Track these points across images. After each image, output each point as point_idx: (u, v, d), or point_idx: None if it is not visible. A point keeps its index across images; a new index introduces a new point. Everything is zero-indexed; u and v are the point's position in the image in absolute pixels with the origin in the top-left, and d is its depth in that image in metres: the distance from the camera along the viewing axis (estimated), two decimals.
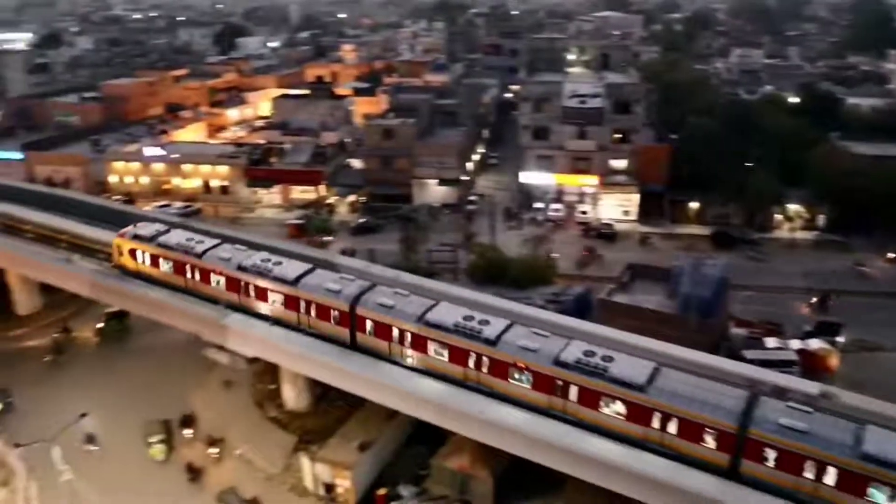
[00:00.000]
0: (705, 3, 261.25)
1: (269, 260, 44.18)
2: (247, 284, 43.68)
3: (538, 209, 79.10)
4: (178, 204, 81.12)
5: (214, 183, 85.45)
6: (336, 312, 40.43)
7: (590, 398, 33.36)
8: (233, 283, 44.24)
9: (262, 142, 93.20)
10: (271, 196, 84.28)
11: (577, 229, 75.67)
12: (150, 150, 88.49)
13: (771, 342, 49.42)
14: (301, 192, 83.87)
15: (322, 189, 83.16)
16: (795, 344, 49.41)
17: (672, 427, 31.66)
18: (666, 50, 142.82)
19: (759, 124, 78.31)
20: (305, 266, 43.58)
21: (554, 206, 79.17)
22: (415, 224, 74.13)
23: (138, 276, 48.72)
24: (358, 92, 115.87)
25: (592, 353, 34.34)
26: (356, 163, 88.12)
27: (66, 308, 59.67)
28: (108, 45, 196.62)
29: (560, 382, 34.07)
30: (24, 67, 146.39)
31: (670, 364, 33.67)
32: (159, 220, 53.50)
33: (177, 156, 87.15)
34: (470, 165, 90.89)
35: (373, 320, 39.31)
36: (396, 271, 47.92)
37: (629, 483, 31.77)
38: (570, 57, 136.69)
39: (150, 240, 48.19)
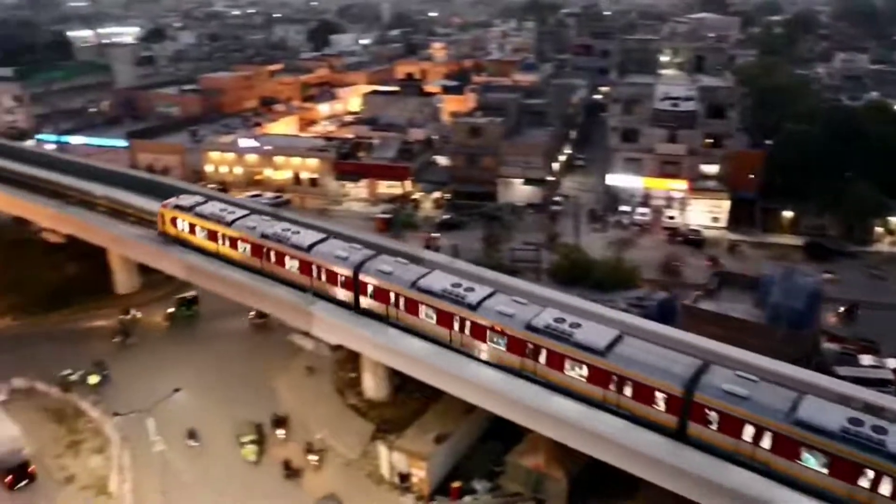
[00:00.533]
0: (807, 5, 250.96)
1: (288, 229, 47.61)
2: (268, 250, 47.36)
3: (624, 212, 78.02)
4: (269, 194, 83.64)
5: (304, 175, 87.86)
6: (342, 277, 43.59)
7: (556, 361, 35.68)
8: (256, 249, 48.12)
9: (351, 136, 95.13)
10: (358, 190, 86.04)
11: (664, 234, 74.27)
12: (244, 142, 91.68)
13: (866, 360, 47.41)
14: (387, 187, 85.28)
15: (408, 184, 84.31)
16: (893, 363, 47.26)
17: (627, 390, 33.67)
18: (763, 53, 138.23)
19: (862, 132, 74.84)
20: (320, 235, 47.06)
21: (640, 209, 77.90)
22: (499, 222, 74.32)
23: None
24: (446, 90, 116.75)
25: (562, 320, 36.60)
26: (442, 160, 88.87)
27: (162, 289, 62.59)
28: (208, 40, 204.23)
29: (531, 346, 36.41)
30: (132, 60, 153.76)
31: (763, 377, 32.84)
32: (199, 193, 58.64)
33: (269, 148, 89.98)
34: (556, 166, 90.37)
35: (373, 285, 42.39)
36: (452, 259, 49.26)
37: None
38: (663, 59, 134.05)
39: (188, 209, 52.85)
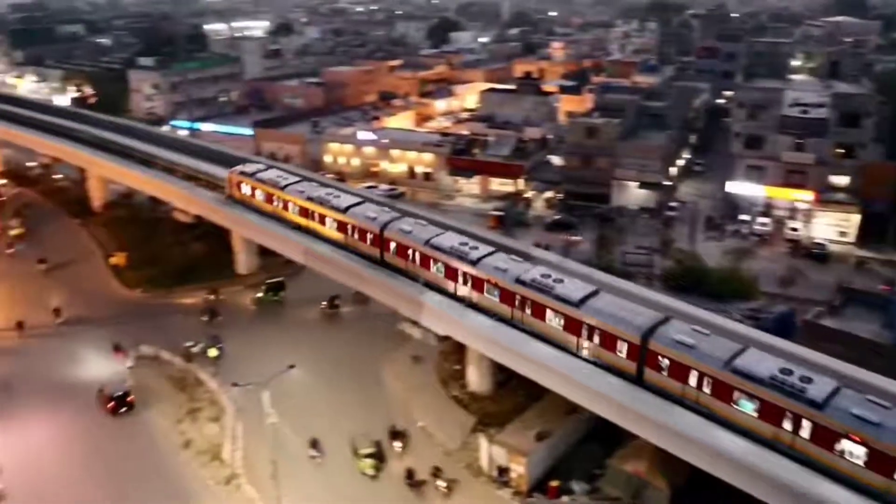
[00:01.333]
0: None
1: (331, 194, 55.01)
2: (313, 212, 54.59)
3: (743, 221, 75.04)
4: (384, 186, 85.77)
5: (418, 169, 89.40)
6: (371, 235, 50.22)
7: (539, 311, 40.62)
8: (304, 211, 55.57)
9: (466, 133, 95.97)
10: (471, 186, 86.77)
11: (785, 246, 70.97)
12: (362, 134, 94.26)
13: None
14: (500, 185, 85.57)
15: (520, 183, 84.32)
16: None
17: (596, 338, 38.17)
18: None
19: None
20: (357, 199, 54.45)
21: (761, 219, 74.76)
22: (611, 225, 73.25)
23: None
24: (564, 89, 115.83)
25: (548, 276, 41.61)
26: (556, 159, 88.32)
27: (281, 272, 65.31)
28: (332, 35, 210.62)
29: (519, 297, 41.24)
30: (260, 53, 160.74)
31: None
32: (261, 162, 67.84)
33: (386, 141, 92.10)
34: (673, 170, 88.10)
35: (396, 242, 48.53)
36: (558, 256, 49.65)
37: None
38: (794, 63, 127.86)
39: (250, 175, 61.27)
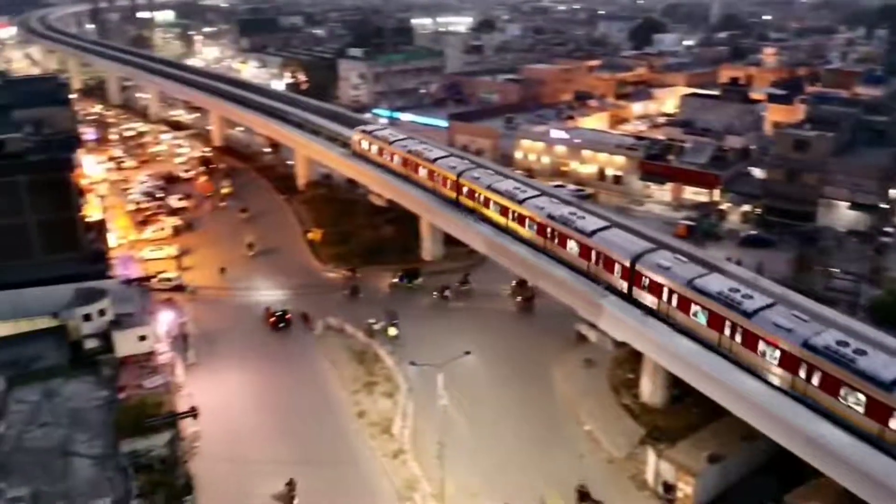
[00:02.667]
0: None
1: (426, 148, 67.56)
2: (415, 164, 66.28)
3: None
4: (571, 186, 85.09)
5: (609, 172, 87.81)
6: (449, 181, 61.34)
7: (562, 241, 49.37)
8: (406, 162, 67.28)
9: (661, 138, 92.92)
10: (662, 192, 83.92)
11: None
12: (555, 133, 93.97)
13: None
14: (692, 193, 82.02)
15: (716, 193, 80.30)
16: None
17: (601, 262, 46.16)
18: None
19: None
20: (445, 153, 66.54)
21: None
22: (814, 246, 67.96)
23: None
24: (772, 98, 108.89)
25: (574, 213, 50.10)
26: (757, 172, 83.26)
27: (462, 261, 66.84)
28: (532, 33, 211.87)
29: (549, 229, 50.09)
30: (462, 48, 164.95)
31: None
32: (379, 123, 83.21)
33: (578, 141, 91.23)
34: (893, 192, 79.97)
35: (468, 187, 58.93)
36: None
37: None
38: None
39: (369, 133, 74.13)
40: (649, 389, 45.87)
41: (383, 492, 39.79)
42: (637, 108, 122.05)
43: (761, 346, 37.03)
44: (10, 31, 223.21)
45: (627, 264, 44.46)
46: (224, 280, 66.45)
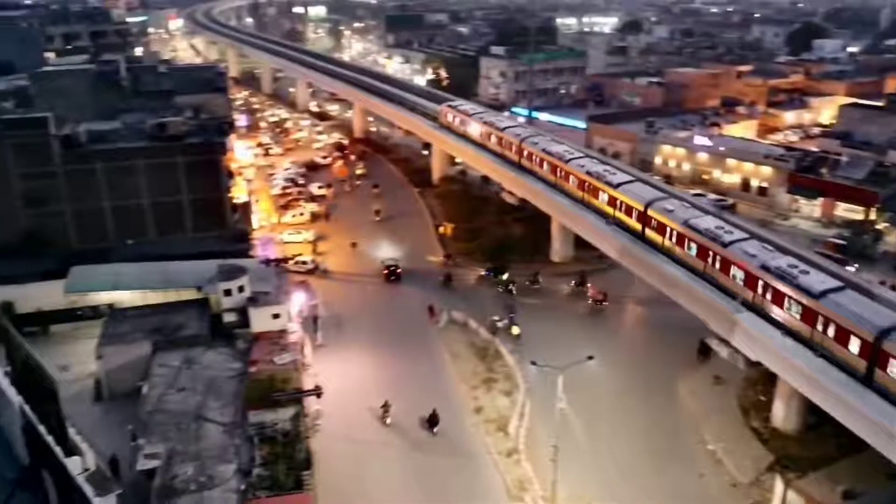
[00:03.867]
0: None
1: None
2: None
3: None
4: (712, 196, 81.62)
5: (754, 182, 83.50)
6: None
7: (593, 191, 58.30)
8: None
9: (814, 149, 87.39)
10: (811, 207, 78.83)
11: None
12: (699, 140, 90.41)
13: None
14: (845, 210, 76.48)
15: (872, 212, 74.57)
16: None
17: (622, 208, 54.67)
18: None
19: None
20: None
21: None
22: None
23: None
24: None
25: (607, 169, 59.55)
26: None
27: (589, 264, 65.68)
28: (680, 36, 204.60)
29: (587, 186, 59.29)
30: (605, 49, 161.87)
31: None
32: (465, 103, 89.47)
33: (723, 149, 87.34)
34: None
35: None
36: None
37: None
38: None
39: (454, 108, 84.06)
40: (783, 414, 43.27)
41: (495, 489, 39.74)
42: (789, 116, 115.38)
43: None
44: (178, 23, 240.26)
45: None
46: (355, 253, 70.98)
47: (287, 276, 54.81)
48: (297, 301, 51.99)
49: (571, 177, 62.07)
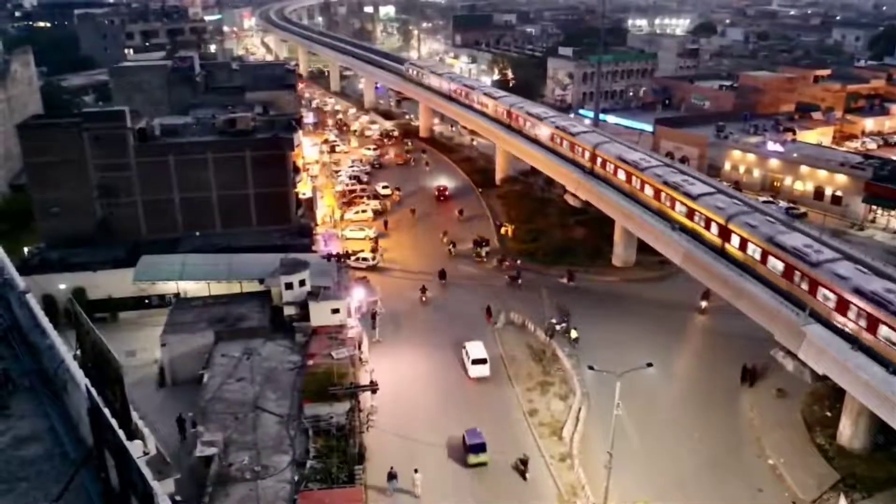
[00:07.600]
0: None
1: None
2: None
3: None
4: (782, 203, 79.24)
5: (828, 191, 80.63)
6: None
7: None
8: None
9: (894, 158, 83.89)
10: (890, 218, 75.74)
11: None
12: (771, 145, 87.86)
13: None
14: None
15: None
16: None
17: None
18: None
19: None
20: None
21: None
22: None
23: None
24: None
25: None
26: None
27: (652, 270, 64.49)
28: (755, 38, 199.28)
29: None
30: (676, 51, 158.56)
31: None
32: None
33: (796, 155, 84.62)
34: None
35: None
36: None
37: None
38: None
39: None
40: (850, 431, 41.66)
41: (547, 493, 39.34)
42: (868, 123, 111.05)
43: None
44: (251, 21, 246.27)
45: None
46: (415, 221, 78.46)
47: (348, 273, 55.46)
48: (357, 297, 52.58)
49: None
